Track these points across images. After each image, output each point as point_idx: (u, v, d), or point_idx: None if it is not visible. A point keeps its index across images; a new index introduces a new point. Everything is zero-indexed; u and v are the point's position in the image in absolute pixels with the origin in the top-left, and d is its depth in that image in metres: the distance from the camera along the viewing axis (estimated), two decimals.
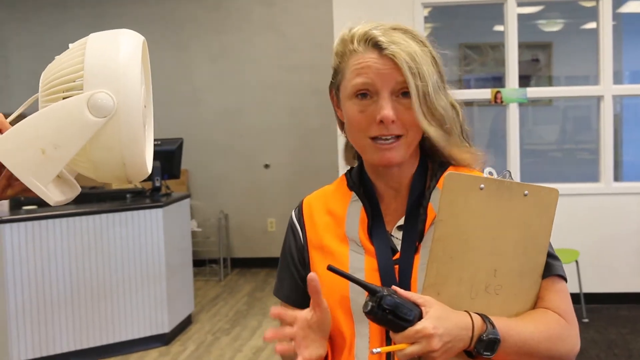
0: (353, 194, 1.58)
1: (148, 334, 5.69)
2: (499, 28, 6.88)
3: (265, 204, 8.66)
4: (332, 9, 6.68)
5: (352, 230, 1.52)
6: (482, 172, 1.48)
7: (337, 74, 1.55)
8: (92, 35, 1.28)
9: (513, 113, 6.49)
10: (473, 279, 1.38)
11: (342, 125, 1.60)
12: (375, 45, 1.45)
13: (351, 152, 1.68)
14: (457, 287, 1.37)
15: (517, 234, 1.40)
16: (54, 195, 1.27)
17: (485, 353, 1.31)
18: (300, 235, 1.63)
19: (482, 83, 8.80)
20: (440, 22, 8.39)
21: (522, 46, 6.77)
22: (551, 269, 1.46)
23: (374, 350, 1.27)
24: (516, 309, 1.43)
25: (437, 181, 1.52)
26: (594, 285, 6.16)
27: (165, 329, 5.76)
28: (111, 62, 1.21)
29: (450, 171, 1.38)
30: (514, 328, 1.36)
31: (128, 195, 6.02)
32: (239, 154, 8.64)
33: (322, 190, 1.68)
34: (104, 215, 5.48)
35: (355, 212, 1.55)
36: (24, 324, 5.15)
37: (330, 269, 1.31)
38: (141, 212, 5.64)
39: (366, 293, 1.30)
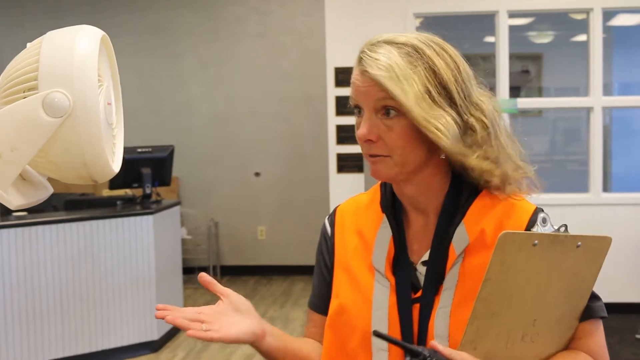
0: (384, 218, 1.51)
1: (137, 340, 5.68)
2: (490, 39, 6.90)
3: (256, 212, 8.65)
4: (324, 17, 6.70)
5: (379, 261, 1.48)
6: (519, 190, 1.47)
7: None
8: (49, 33, 1.24)
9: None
10: (511, 331, 1.34)
11: None
12: (360, 61, 1.40)
13: None
14: (494, 340, 1.32)
15: (564, 283, 1.36)
16: (14, 199, 1.23)
17: None
18: (331, 243, 1.60)
19: None
20: (432, 32, 8.40)
21: (512, 57, 6.80)
22: (591, 312, 1.43)
23: None
24: (548, 352, 1.41)
25: (463, 215, 1.44)
26: None
27: (155, 336, 5.75)
28: (66, 61, 1.17)
29: (505, 231, 1.26)
30: None
31: (118, 202, 6.01)
32: (229, 161, 8.64)
33: (356, 203, 1.61)
34: (94, 222, 5.47)
35: (384, 240, 1.49)
36: (12, 331, 5.13)
37: (376, 334, 1.29)
38: (131, 218, 5.63)
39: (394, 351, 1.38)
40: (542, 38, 9.21)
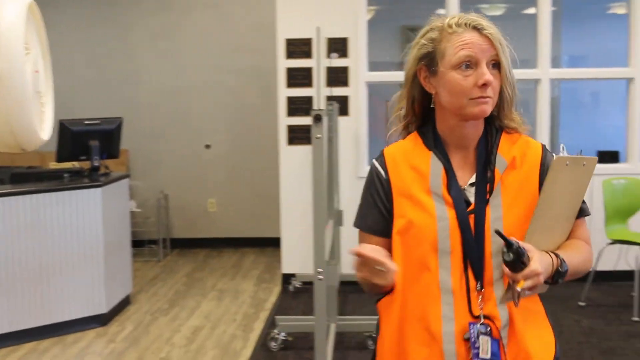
0: (432, 155, 1.95)
1: (85, 314, 5.64)
2: (441, 11, 6.90)
3: (206, 184, 8.62)
4: None
5: (436, 185, 1.91)
6: (524, 133, 2.02)
7: (432, 54, 1.91)
8: None
9: None
10: (548, 227, 1.87)
11: (423, 96, 1.99)
12: (474, 27, 1.87)
13: (419, 119, 2.04)
14: (540, 235, 1.84)
15: (573, 192, 1.90)
16: None
17: (559, 280, 1.83)
18: (384, 179, 1.98)
19: None
20: (382, 4, 8.40)
21: None
22: (582, 211, 1.97)
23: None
24: (560, 241, 1.93)
25: (496, 147, 1.95)
26: None
27: (103, 309, 5.72)
28: None
29: (558, 156, 1.82)
30: (571, 259, 1.86)
31: (66, 175, 5.92)
32: (179, 134, 8.58)
33: (402, 146, 2.03)
34: (41, 195, 5.39)
35: (437, 170, 1.93)
36: None
37: (497, 232, 1.75)
38: (79, 191, 5.57)
39: (464, 238, 1.86)
40: (494, 10, 9.24)
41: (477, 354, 1.83)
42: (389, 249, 1.93)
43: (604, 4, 9.53)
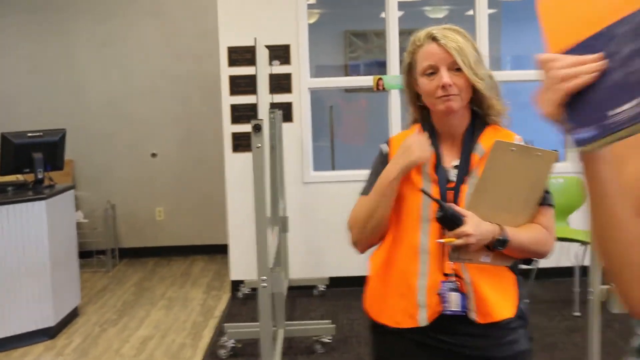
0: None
1: (32, 328, 5.60)
2: (383, 15, 6.98)
3: (153, 193, 8.59)
4: None
5: (426, 165, 2.30)
6: (504, 125, 2.36)
7: (412, 64, 2.35)
8: None
9: (395, 99, 6.64)
10: (497, 203, 2.16)
11: (416, 96, 2.40)
12: (433, 39, 2.27)
13: (418, 115, 2.45)
14: (487, 207, 2.15)
15: (529, 178, 2.14)
16: None
17: (498, 247, 2.15)
18: (385, 157, 2.40)
19: (368, 69, 8.95)
20: (326, 9, 8.47)
21: (405, 33, 6.84)
22: (545, 200, 2.26)
23: (438, 240, 2.17)
24: (520, 222, 2.22)
25: (478, 137, 2.31)
26: None
27: (51, 322, 5.68)
28: None
29: (497, 139, 2.11)
30: (517, 234, 2.19)
31: (9, 188, 5.88)
32: (125, 143, 8.54)
33: (404, 134, 2.42)
34: None
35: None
36: None
37: (423, 190, 2.19)
38: (23, 205, 5.53)
39: (436, 206, 2.14)
40: (436, 13, 9.36)
41: (448, 307, 2.22)
42: None
43: None
